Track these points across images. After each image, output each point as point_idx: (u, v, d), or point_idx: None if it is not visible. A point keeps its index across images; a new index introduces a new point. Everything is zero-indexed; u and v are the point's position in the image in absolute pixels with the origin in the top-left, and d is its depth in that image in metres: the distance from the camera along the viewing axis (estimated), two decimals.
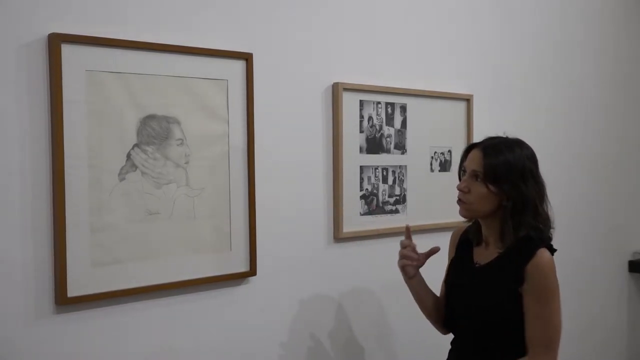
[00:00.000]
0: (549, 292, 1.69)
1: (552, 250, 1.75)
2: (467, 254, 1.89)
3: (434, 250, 1.89)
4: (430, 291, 1.95)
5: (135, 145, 1.79)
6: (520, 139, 1.81)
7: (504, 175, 1.71)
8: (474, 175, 1.75)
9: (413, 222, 2.50)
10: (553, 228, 1.79)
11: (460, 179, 1.84)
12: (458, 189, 1.79)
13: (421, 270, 1.91)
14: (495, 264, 1.78)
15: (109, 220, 1.74)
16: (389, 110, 2.42)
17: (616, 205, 3.60)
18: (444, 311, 1.93)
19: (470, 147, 1.83)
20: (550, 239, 1.78)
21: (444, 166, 2.63)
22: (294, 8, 2.15)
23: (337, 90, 2.24)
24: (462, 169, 1.82)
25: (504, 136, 1.82)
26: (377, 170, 2.39)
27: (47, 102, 1.65)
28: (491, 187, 1.72)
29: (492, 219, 1.78)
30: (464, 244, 1.93)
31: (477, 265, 1.84)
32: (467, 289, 1.83)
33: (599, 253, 3.50)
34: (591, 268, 3.44)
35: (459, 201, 1.79)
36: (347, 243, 2.32)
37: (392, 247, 2.44)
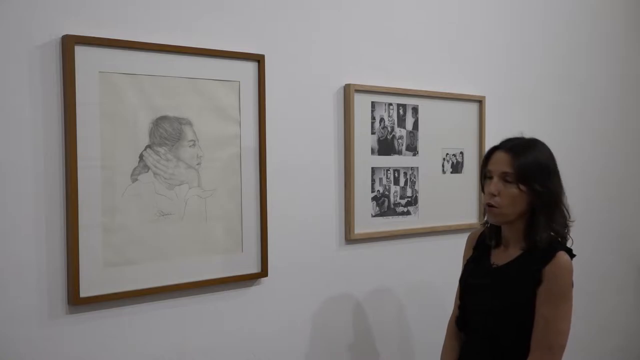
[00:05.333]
0: (561, 295, 1.68)
1: (572, 255, 1.74)
2: (484, 255, 1.88)
3: None
4: None
5: (148, 146, 1.80)
6: (537, 139, 1.81)
7: (535, 174, 1.71)
8: (503, 178, 1.73)
9: (424, 224, 2.50)
10: (573, 220, 1.79)
11: (482, 184, 1.81)
12: (489, 193, 1.74)
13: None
14: (513, 265, 1.76)
15: (121, 221, 1.75)
16: (401, 111, 2.42)
17: (629, 208, 3.57)
18: (458, 310, 1.93)
19: (492, 150, 1.80)
20: (567, 238, 1.77)
21: (456, 168, 2.62)
22: (306, 10, 2.15)
23: (348, 92, 2.24)
24: (485, 173, 1.79)
25: (522, 136, 1.81)
26: (389, 172, 2.39)
27: (61, 103, 1.66)
28: (522, 187, 1.70)
29: (518, 220, 1.76)
30: (482, 245, 1.91)
31: (494, 266, 1.83)
32: (483, 289, 1.82)
33: (612, 256, 3.47)
34: (604, 271, 3.41)
35: (490, 206, 1.75)
36: (358, 244, 2.31)
37: (403, 249, 2.45)
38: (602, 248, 3.39)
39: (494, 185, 1.74)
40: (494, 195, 1.73)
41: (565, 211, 1.76)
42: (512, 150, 1.74)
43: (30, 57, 1.61)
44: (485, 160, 1.81)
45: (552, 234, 1.74)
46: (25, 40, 1.61)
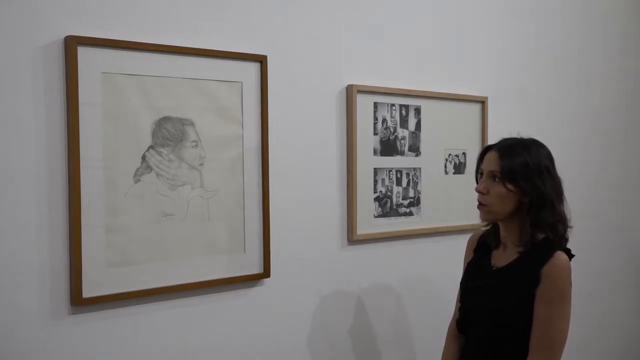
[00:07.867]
0: (560, 295, 1.68)
1: (570, 255, 1.74)
2: (484, 257, 1.89)
3: None
4: None
5: (151, 147, 1.79)
6: (535, 139, 1.82)
7: (521, 173, 1.72)
8: (492, 176, 1.75)
9: (427, 225, 2.50)
10: (571, 226, 1.79)
11: (477, 182, 1.83)
12: (477, 191, 1.79)
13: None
14: (513, 267, 1.77)
15: (124, 221, 1.75)
16: (403, 112, 2.41)
17: (629, 208, 3.57)
18: (458, 313, 1.93)
19: (486, 150, 1.83)
20: (567, 239, 1.77)
21: (459, 168, 2.61)
22: (309, 10, 2.15)
23: (351, 92, 2.23)
24: (480, 171, 1.82)
25: (519, 137, 1.82)
26: (391, 173, 2.38)
27: (63, 104, 1.66)
28: (509, 186, 1.72)
29: (510, 220, 1.78)
30: (482, 247, 1.92)
31: (494, 267, 1.83)
32: (483, 291, 1.82)
33: (611, 256, 3.47)
34: (603, 271, 3.41)
35: (479, 205, 1.79)
36: (360, 245, 2.31)
37: (406, 250, 2.45)
38: (602, 248, 3.39)
39: (482, 183, 1.78)
40: (483, 194, 1.77)
41: (559, 213, 1.75)
42: (501, 150, 1.76)
43: (33, 58, 1.61)
44: (480, 159, 1.84)
45: (545, 235, 1.74)
46: (27, 41, 1.60)
